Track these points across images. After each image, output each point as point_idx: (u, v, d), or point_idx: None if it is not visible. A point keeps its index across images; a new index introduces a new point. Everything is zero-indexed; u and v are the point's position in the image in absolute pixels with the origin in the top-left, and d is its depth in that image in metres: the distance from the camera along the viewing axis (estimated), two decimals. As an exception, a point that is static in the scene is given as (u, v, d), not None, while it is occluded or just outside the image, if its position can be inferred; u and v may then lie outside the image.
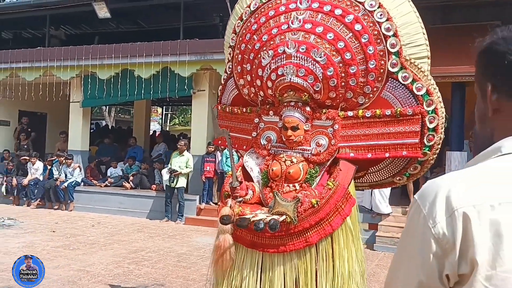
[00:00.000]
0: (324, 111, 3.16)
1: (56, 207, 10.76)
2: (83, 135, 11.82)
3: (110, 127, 20.17)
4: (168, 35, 10.47)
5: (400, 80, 3.06)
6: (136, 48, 10.20)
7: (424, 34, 3.13)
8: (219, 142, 3.89)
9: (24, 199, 11.26)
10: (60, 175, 10.98)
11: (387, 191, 8.24)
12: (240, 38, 3.51)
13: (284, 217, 2.74)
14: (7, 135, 13.13)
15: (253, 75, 3.38)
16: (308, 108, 3.14)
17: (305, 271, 2.81)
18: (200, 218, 9.58)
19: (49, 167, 11.47)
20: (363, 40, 3.01)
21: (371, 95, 3.13)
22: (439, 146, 3.17)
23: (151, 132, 17.60)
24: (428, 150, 3.09)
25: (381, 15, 3.02)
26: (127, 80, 10.58)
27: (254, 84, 3.41)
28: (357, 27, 3.02)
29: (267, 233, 2.75)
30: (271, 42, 3.19)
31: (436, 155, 3.23)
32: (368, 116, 3.10)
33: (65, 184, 10.69)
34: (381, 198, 8.20)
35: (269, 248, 2.84)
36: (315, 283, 2.82)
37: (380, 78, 3.07)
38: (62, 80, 11.24)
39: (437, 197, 0.94)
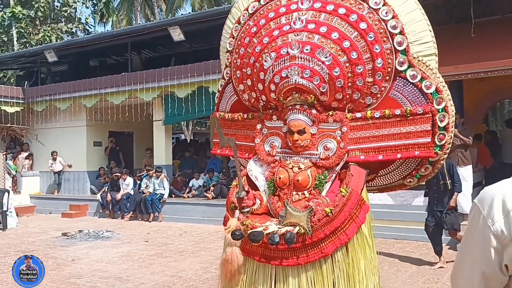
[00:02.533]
0: (330, 113, 3.03)
1: (146, 218, 11.63)
2: (167, 150, 12.67)
3: (188, 141, 21.20)
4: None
5: (409, 78, 2.95)
6: (209, 66, 10.83)
7: (430, 31, 3.01)
8: (218, 151, 3.67)
9: (118, 212, 12.28)
10: (148, 187, 11.85)
11: (469, 190, 8.02)
12: (239, 42, 3.35)
13: (298, 228, 2.59)
14: (100, 155, 14.38)
15: (254, 79, 3.23)
16: (314, 111, 3.01)
17: (321, 283, 2.67)
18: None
19: (138, 182, 12.41)
20: (369, 39, 2.90)
21: (378, 95, 3.02)
22: (450, 146, 3.07)
23: (227, 143, 18.24)
24: (439, 150, 2.99)
25: (386, 12, 2.92)
26: (203, 97, 11.24)
27: (256, 88, 3.25)
28: (362, 25, 2.91)
29: (281, 246, 2.62)
30: (273, 44, 3.06)
31: (446, 155, 3.12)
32: (377, 116, 2.98)
33: (152, 197, 11.52)
34: (463, 198, 7.98)
35: (283, 261, 2.67)
36: None
37: (387, 77, 2.96)
38: (145, 101, 12.20)
39: (494, 201, 1.17)
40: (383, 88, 2.99)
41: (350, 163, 2.95)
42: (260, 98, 3.28)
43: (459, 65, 8.27)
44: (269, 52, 3.05)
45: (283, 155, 3.09)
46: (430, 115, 2.89)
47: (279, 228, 2.63)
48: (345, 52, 2.90)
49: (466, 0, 7.91)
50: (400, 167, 3.23)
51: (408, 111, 2.91)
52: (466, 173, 8.02)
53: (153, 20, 23.07)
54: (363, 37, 2.91)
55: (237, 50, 3.35)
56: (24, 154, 14.68)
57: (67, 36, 23.19)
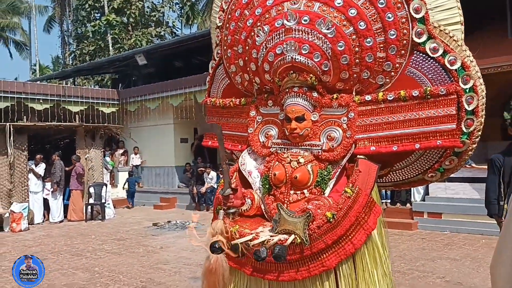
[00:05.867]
0: (335, 96, 2.55)
1: (229, 211, 12.11)
2: (247, 145, 13.06)
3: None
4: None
5: (428, 52, 2.45)
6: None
7: None
8: (209, 143, 3.18)
9: (204, 205, 12.95)
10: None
11: None
12: (229, 16, 2.88)
13: (293, 237, 2.17)
14: (187, 150, 15.22)
15: (246, 58, 2.76)
16: (315, 94, 2.54)
17: None
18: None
19: (221, 176, 12.96)
20: (379, 5, 2.42)
21: (392, 74, 2.52)
22: (480, 133, 2.54)
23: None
24: (467, 138, 2.48)
25: None
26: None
27: (248, 69, 2.78)
28: None
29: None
30: (266, 16, 2.60)
31: (475, 144, 2.59)
32: (390, 99, 2.49)
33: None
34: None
35: (277, 276, 2.27)
36: None
37: (403, 52, 2.47)
38: (226, 98, 12.68)
39: None
40: (397, 65, 2.50)
41: (358, 156, 2.51)
42: (253, 80, 2.82)
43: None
44: (262, 25, 2.60)
45: (280, 146, 2.65)
46: (455, 96, 2.40)
47: (271, 236, 2.22)
48: (351, 22, 2.44)
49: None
50: (420, 160, 2.73)
51: (428, 92, 2.42)
52: None
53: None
54: (373, 3, 2.44)
55: (227, 25, 2.90)
56: (120, 151, 15.96)
57: (157, 39, 24.64)
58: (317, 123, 2.58)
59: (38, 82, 17.35)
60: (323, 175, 2.49)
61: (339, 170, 2.50)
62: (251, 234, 2.26)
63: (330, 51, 2.45)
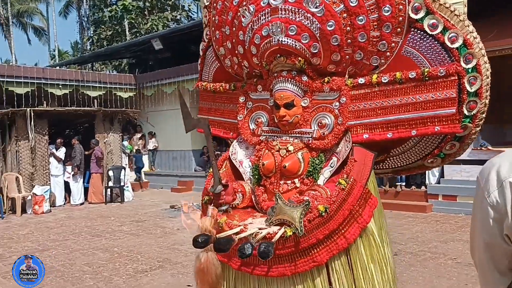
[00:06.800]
0: (326, 80, 2.36)
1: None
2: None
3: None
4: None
5: (427, 29, 2.23)
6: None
7: None
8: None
9: (220, 187, 13.12)
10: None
11: None
12: None
13: (281, 232, 2.00)
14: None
15: (233, 40, 2.58)
16: (305, 78, 2.36)
17: None
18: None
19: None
20: None
21: (388, 54, 2.31)
22: (484, 116, 2.34)
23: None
24: (469, 122, 2.30)
25: None
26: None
27: (236, 52, 2.60)
28: None
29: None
30: None
31: (479, 128, 2.39)
32: (385, 82, 2.28)
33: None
34: None
35: (266, 271, 2.10)
36: None
37: (398, 30, 2.24)
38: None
39: (490, 173, 1.18)
40: (393, 44, 2.29)
41: (352, 144, 2.32)
42: (242, 64, 2.65)
43: None
44: (247, 4, 2.42)
45: (270, 134, 2.50)
46: (456, 78, 2.18)
47: (259, 229, 2.07)
48: None
49: None
50: (418, 145, 2.58)
51: (425, 74, 2.21)
52: None
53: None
54: None
55: (214, 4, 2.70)
56: (138, 135, 16.20)
57: (173, 23, 24.65)
58: (307, 109, 2.40)
59: (57, 68, 17.62)
60: (314, 164, 2.34)
61: (334, 158, 2.35)
62: (239, 226, 2.11)
63: (319, 31, 2.25)
